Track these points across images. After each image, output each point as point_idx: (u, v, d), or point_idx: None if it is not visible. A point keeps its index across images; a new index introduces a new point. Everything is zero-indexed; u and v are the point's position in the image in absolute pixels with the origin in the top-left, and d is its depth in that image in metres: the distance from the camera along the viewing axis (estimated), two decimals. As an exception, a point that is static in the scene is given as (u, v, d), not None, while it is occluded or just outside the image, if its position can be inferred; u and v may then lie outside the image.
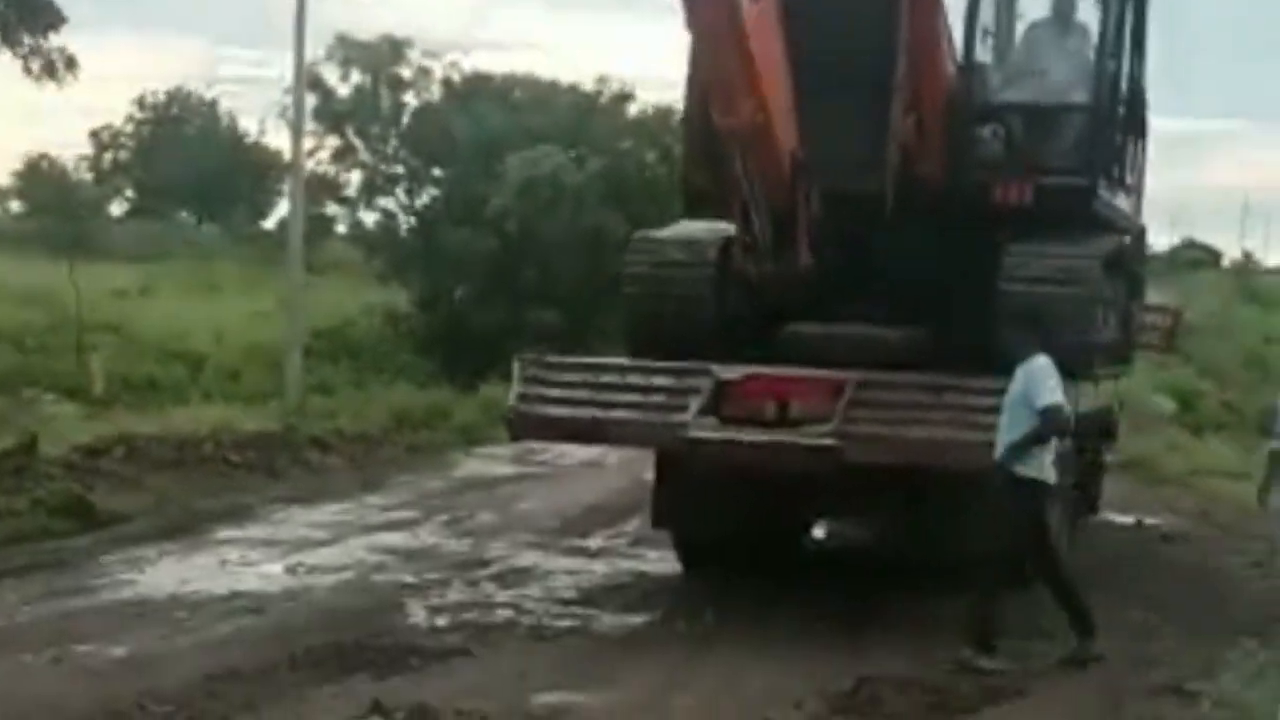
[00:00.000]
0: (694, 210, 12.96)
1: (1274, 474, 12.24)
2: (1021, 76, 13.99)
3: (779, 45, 11.38)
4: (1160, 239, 70.68)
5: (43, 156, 64.02)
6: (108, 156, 74.67)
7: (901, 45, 12.28)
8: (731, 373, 11.89)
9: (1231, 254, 78.19)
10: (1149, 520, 17.94)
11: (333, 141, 41.11)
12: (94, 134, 73.98)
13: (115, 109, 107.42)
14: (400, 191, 41.64)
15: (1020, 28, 14.66)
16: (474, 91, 41.24)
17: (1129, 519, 18.03)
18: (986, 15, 13.77)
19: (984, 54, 13.81)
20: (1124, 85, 14.18)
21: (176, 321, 36.70)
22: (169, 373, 32.85)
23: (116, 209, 72.70)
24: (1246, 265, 69.27)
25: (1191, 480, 21.56)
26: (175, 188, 71.23)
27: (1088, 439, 14.69)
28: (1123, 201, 14.84)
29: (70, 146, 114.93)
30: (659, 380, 12.26)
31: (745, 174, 11.42)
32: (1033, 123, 13.66)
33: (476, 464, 22.41)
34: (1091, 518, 16.97)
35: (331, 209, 44.50)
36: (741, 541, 13.56)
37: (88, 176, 70.34)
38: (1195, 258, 71.68)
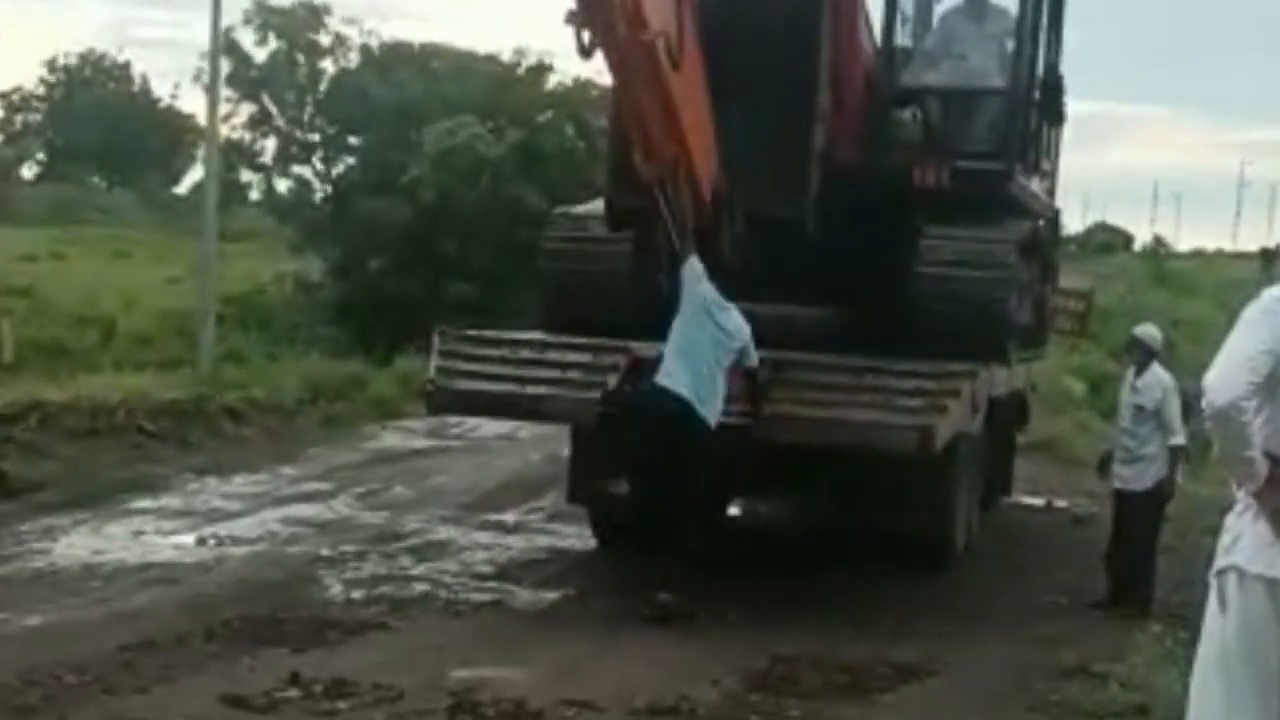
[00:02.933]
0: (618, 228, 12.95)
1: (1179, 462, 12.40)
2: (939, 60, 14.09)
3: (702, 91, 11.45)
4: (1073, 221, 71.49)
5: (-49, 119, 63.22)
6: (18, 119, 73.81)
7: (824, 70, 12.35)
8: (649, 349, 11.92)
9: (1143, 237, 79.14)
10: (1059, 502, 18.16)
11: (248, 107, 40.90)
12: (3, 96, 73.19)
13: (26, 71, 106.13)
14: (316, 159, 41.46)
15: (938, 11, 14.77)
16: (392, 60, 41.09)
17: (1040, 500, 18.24)
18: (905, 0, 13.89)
19: (903, 37, 13.92)
20: (1041, 70, 14.32)
21: (87, 287, 36.39)
22: (80, 339, 32.58)
23: (27, 172, 71.93)
24: (1157, 249, 70.01)
25: (1096, 462, 21.74)
26: (87, 151, 70.52)
27: (1001, 422, 14.88)
28: (1038, 185, 14.99)
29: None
30: (576, 356, 12.29)
31: (667, 204, 11.50)
32: (950, 106, 13.78)
33: (392, 437, 22.32)
34: (1004, 499, 17.19)
35: (246, 176, 44.27)
36: (658, 518, 13.62)
37: (-2, 138, 69.54)
38: (1107, 241, 72.46)
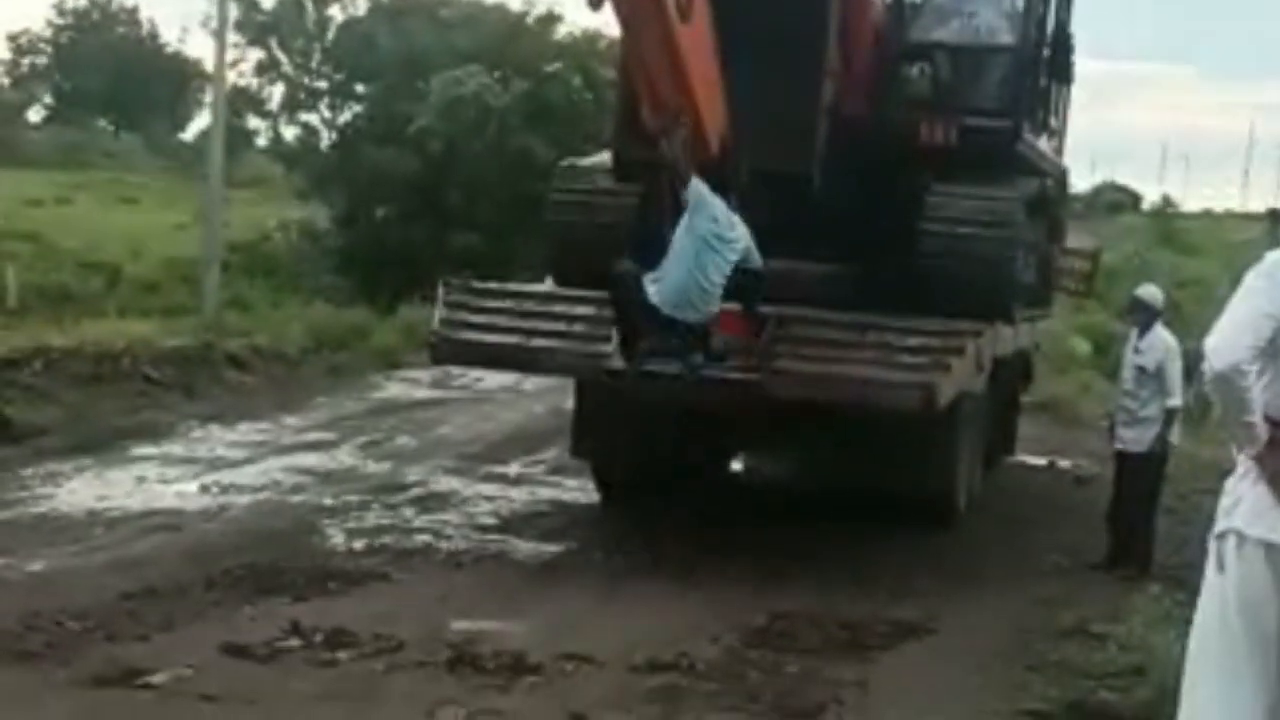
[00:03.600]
0: (625, 181, 12.89)
1: (1173, 424, 12.39)
2: (949, 16, 14.00)
3: (710, 44, 11.40)
4: (1081, 180, 71.19)
5: (-42, 60, 63.07)
6: (25, 62, 73.62)
7: (833, 24, 12.28)
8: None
9: (1151, 197, 78.85)
10: (1062, 462, 18.16)
11: (255, 54, 40.78)
12: (12, 39, 73.01)
13: (34, 14, 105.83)
14: (323, 107, 41.35)
15: (949, -33, 14.67)
16: (401, 7, 40.92)
17: (1043, 461, 18.25)
18: (916, -46, 13.81)
19: (913, -8, 13.85)
20: (1050, 28, 14.25)
21: (93, 232, 36.39)
22: (85, 284, 32.56)
23: (34, 116, 71.82)
24: (1165, 209, 69.79)
25: (1105, 424, 21.74)
26: (94, 95, 70.38)
27: (1005, 381, 14.87)
28: (1045, 144, 14.93)
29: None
30: (582, 310, 12.24)
31: (674, 159, 11.45)
32: (959, 63, 13.67)
33: (396, 387, 22.35)
34: (1007, 458, 17.20)
35: (253, 122, 44.20)
36: (661, 473, 13.65)
37: (4, 82, 69.39)
38: (1115, 200, 72.21)
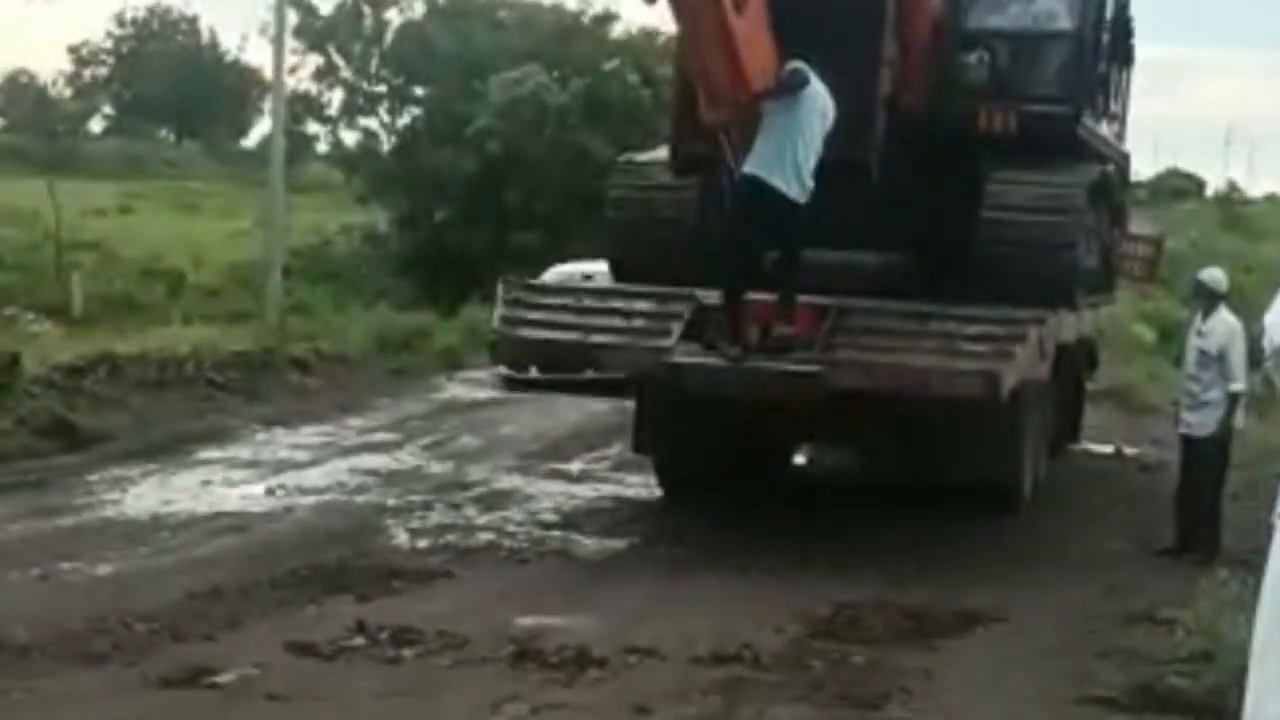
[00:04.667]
0: (683, 175, 12.87)
1: (1236, 408, 12.26)
2: (1006, 3, 13.90)
3: (766, 35, 11.37)
4: (1144, 167, 70.58)
5: (21, 72, 63.62)
6: (87, 73, 74.21)
7: (890, 14, 12.21)
8: (714, 298, 11.87)
9: (1215, 183, 78.09)
10: (1128, 450, 18.02)
11: (314, 59, 40.96)
12: (73, 50, 73.54)
13: (95, 25, 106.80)
14: (382, 111, 41.48)
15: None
16: (457, 9, 41.01)
17: (1108, 448, 18.11)
18: (972, -59, 13.70)
19: (970, -21, 13.75)
20: (1109, 11, 14.15)
21: (156, 240, 36.64)
22: (148, 292, 32.79)
23: (95, 126, 72.40)
24: (1230, 194, 69.11)
25: (1170, 409, 21.55)
26: (155, 105, 70.88)
27: (1069, 368, 14.77)
28: (1106, 129, 14.83)
29: (50, 64, 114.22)
30: (641, 305, 12.22)
31: (732, 153, 11.43)
32: (1017, 49, 13.58)
33: (458, 387, 22.41)
34: (1072, 446, 17.08)
35: (312, 128, 44.39)
36: (723, 467, 13.62)
37: (67, 93, 69.97)
38: (1179, 186, 71.51)
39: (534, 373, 21.27)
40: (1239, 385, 12.12)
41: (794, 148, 11.29)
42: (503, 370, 21.82)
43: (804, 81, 11.31)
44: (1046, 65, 13.61)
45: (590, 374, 19.12)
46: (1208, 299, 12.43)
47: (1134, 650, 9.12)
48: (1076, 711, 7.89)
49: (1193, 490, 12.41)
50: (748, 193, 11.36)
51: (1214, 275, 12.65)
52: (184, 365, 19.63)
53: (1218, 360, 12.13)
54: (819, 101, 11.35)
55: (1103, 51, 14.11)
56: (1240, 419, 12.40)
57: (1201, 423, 12.29)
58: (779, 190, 11.26)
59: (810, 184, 11.35)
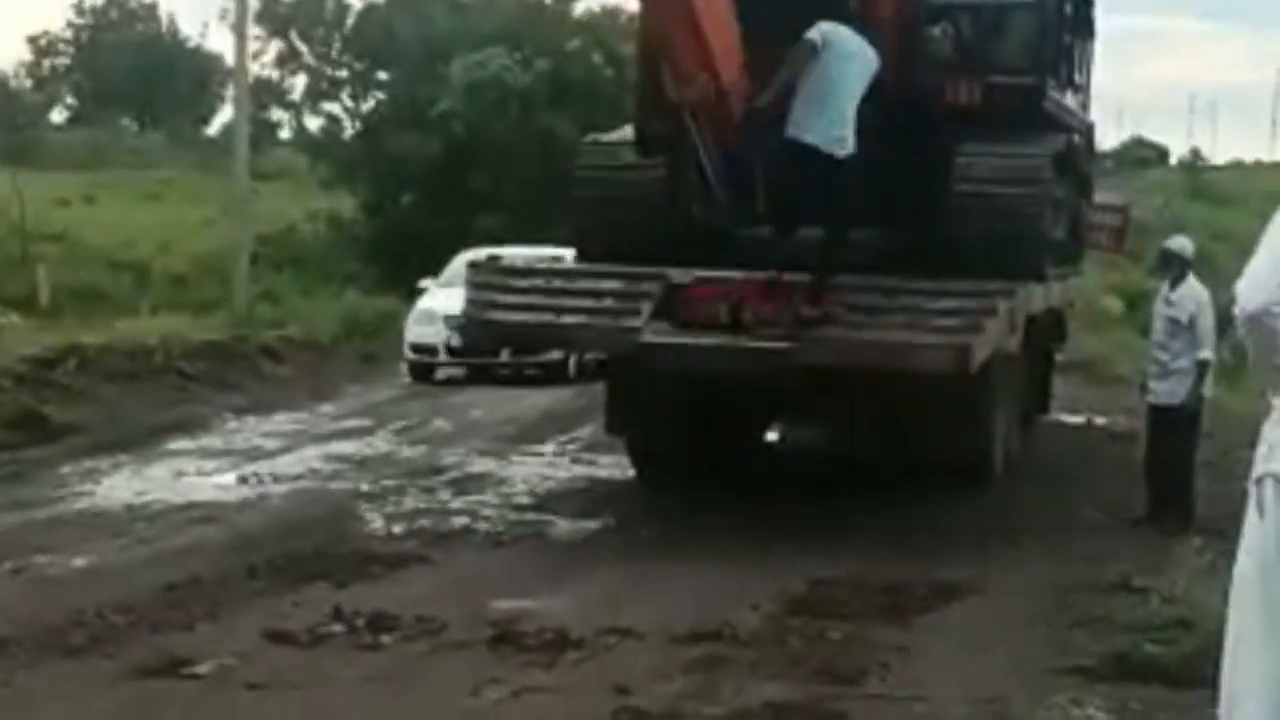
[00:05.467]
0: (649, 155, 12.84)
1: (1205, 377, 12.28)
2: (970, -25, 13.92)
3: (729, 11, 11.36)
4: (1108, 137, 70.81)
5: (-20, 64, 63.17)
6: (46, 63, 73.75)
7: None
8: (683, 276, 11.86)
9: (1179, 151, 78.39)
10: (1098, 420, 18.10)
11: (276, 45, 40.78)
12: (32, 41, 73.07)
13: (53, 15, 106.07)
14: (345, 95, 41.35)
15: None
16: (418, -8, 40.90)
17: (1079, 419, 18.18)
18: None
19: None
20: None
21: (121, 230, 36.43)
22: (115, 282, 32.61)
23: (57, 116, 71.99)
24: (1194, 162, 69.40)
25: (1139, 379, 21.64)
26: (116, 94, 70.45)
27: (1038, 340, 14.81)
28: (1071, 100, 14.85)
29: (10, 55, 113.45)
30: (610, 285, 12.20)
31: (698, 132, 11.43)
32: (981, 22, 13.61)
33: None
34: (1042, 417, 17.14)
35: (276, 114, 44.21)
36: (695, 446, 13.63)
37: (27, 84, 69.55)
38: (1143, 155, 71.86)
39: (441, 373, 22.11)
40: (1207, 354, 12.16)
41: (825, 102, 11.41)
42: (408, 356, 22.32)
43: (812, 48, 11.30)
44: (1010, 37, 13.64)
45: (505, 358, 19.47)
46: (1175, 268, 12.47)
47: (1110, 619, 9.15)
48: (1054, 682, 7.92)
49: (1163, 459, 12.46)
50: (788, 159, 11.47)
51: (1181, 243, 12.69)
52: (153, 355, 19.58)
53: (1186, 329, 12.17)
54: (848, 49, 11.47)
55: (1065, 22, 14.13)
56: (1209, 388, 12.45)
57: (1170, 391, 12.34)
58: (814, 147, 11.34)
59: (850, 138, 11.47)
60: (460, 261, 22.57)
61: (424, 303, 22.76)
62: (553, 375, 21.21)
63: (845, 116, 11.46)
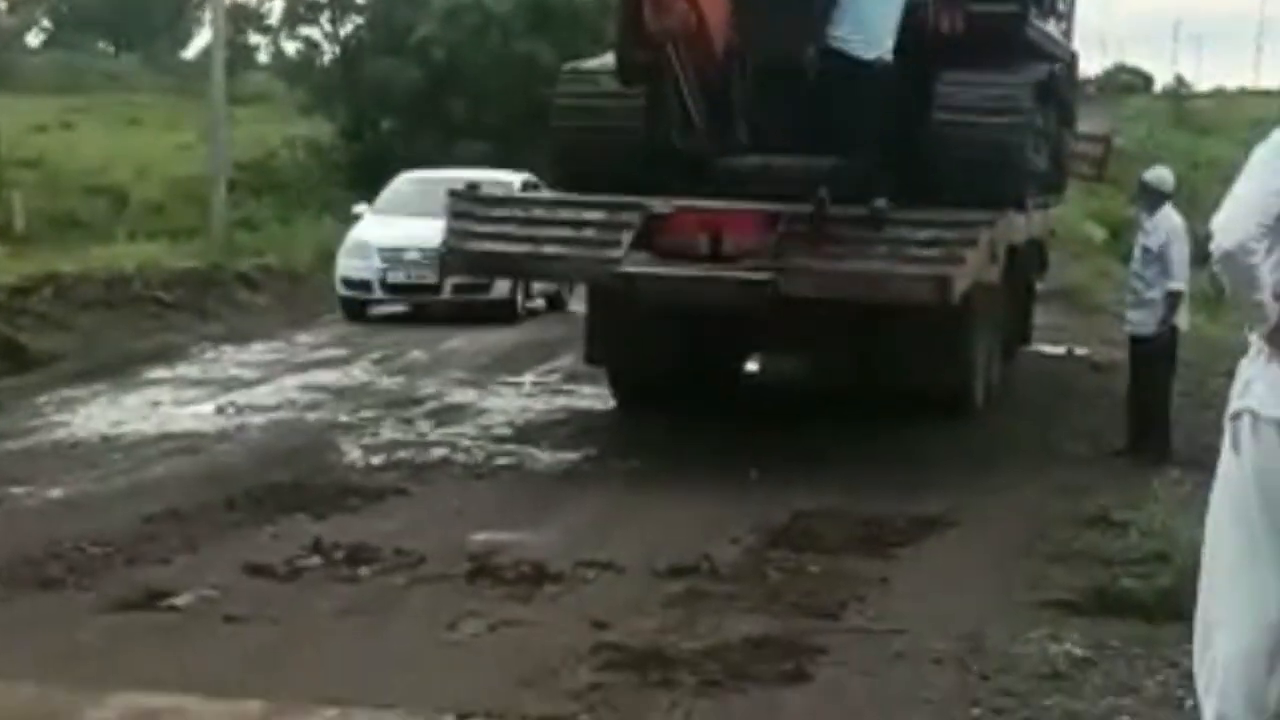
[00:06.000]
0: (629, 84, 12.70)
1: (1175, 308, 12.26)
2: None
3: None
4: (1092, 64, 70.62)
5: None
6: (22, -14, 72.97)
7: None
8: (664, 206, 11.78)
9: (1163, 78, 78.11)
10: (1079, 350, 18.08)
11: (254, -33, 40.38)
12: (7, -37, 72.26)
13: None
14: (323, 20, 40.98)
15: None
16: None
17: (1060, 349, 18.17)
18: None
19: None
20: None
21: (98, 156, 36.11)
22: (92, 209, 32.36)
23: (32, 40, 71.38)
24: (1178, 90, 69.19)
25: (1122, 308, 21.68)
26: (93, 17, 69.87)
27: (1019, 270, 14.77)
28: (1054, 28, 14.78)
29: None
30: (590, 215, 12.11)
31: (679, 61, 11.31)
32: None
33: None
34: (1023, 348, 17.12)
35: (253, 38, 43.86)
36: (676, 376, 13.59)
37: (2, 7, 68.92)
38: (1127, 82, 71.56)
39: (376, 311, 20.94)
40: (1177, 284, 12.12)
41: (856, 6, 11.60)
42: (340, 291, 21.04)
43: None
44: (993, -36, 13.49)
45: (447, 294, 19.03)
46: (1152, 198, 12.45)
47: (1088, 553, 9.15)
48: (1033, 615, 7.92)
49: (1141, 388, 12.46)
50: (821, 68, 11.66)
51: (1159, 174, 12.65)
52: (130, 284, 19.49)
53: (1158, 259, 12.14)
54: None
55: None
56: (1184, 318, 12.40)
57: (1143, 321, 12.31)
58: (847, 52, 11.53)
59: (887, 41, 11.70)
60: (397, 185, 22.74)
61: (357, 232, 21.44)
62: (498, 314, 20.20)
63: (880, 23, 11.77)
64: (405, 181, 22.80)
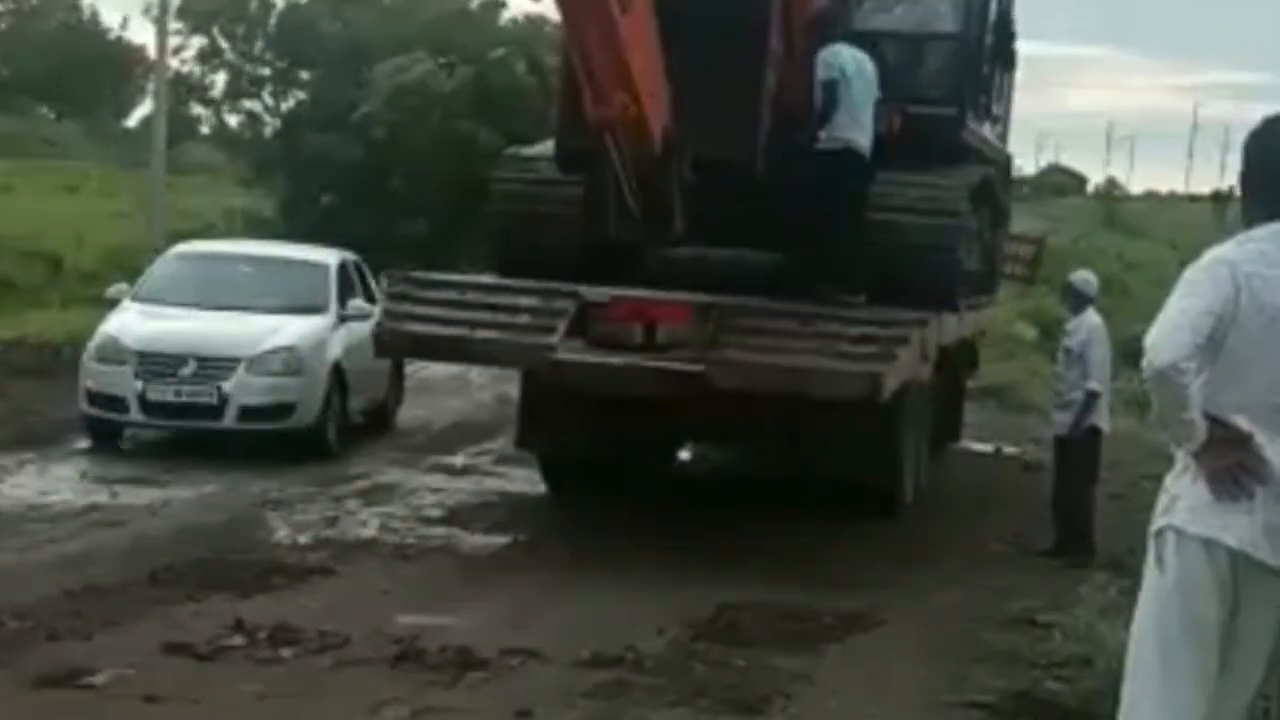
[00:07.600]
0: (568, 171, 12.79)
1: (1090, 409, 12.42)
2: (892, 4, 14.00)
3: (651, 34, 11.34)
4: (1027, 163, 71.47)
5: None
6: (-37, 49, 72.72)
7: (776, 12, 12.23)
8: (598, 295, 11.84)
9: (1097, 179, 79.18)
10: (1008, 448, 18.20)
11: (198, 40, 40.49)
12: (-50, 26, 72.06)
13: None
14: (266, 94, 41.12)
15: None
16: (344, -6, 40.73)
17: (989, 447, 18.27)
18: (856, -59, 13.76)
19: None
20: (993, 14, 14.27)
21: (35, 221, 35.87)
22: (27, 273, 32.13)
23: (-28, 103, 71.02)
24: (1111, 191, 70.11)
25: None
26: (34, 83, 69.61)
27: (950, 368, 14.89)
28: (989, 131, 14.96)
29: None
30: (526, 300, 12.14)
31: (617, 151, 11.40)
32: (902, 50, 13.67)
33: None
34: (952, 445, 17.22)
35: (196, 110, 43.88)
36: (608, 463, 13.61)
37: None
38: (1061, 183, 72.51)
39: (131, 436, 15.72)
40: (1094, 384, 12.27)
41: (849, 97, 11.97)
42: (84, 408, 15.40)
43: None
44: (931, 67, 13.74)
45: (230, 422, 14.81)
46: (1077, 300, 12.64)
47: (1013, 654, 9.19)
48: (954, 715, 7.96)
49: (1065, 488, 12.57)
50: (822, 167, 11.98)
51: (1084, 277, 12.87)
52: (61, 351, 19.33)
53: (1080, 360, 12.29)
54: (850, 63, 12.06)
55: (986, 53, 14.22)
56: (1105, 420, 12.51)
57: (1066, 421, 12.45)
58: (849, 144, 11.99)
59: (870, 130, 12.10)
60: (169, 261, 17.59)
61: (111, 326, 15.86)
62: (303, 444, 15.33)
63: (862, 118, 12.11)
64: (179, 259, 17.56)
